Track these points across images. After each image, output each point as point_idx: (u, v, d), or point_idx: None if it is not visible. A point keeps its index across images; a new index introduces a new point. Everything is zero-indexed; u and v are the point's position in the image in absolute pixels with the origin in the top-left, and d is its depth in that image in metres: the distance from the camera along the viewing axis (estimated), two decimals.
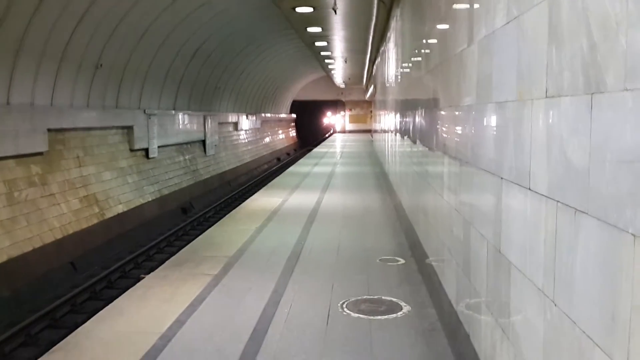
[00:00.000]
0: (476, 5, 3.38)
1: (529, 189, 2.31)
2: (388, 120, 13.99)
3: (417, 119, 6.75)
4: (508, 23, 2.64)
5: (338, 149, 29.20)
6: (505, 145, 2.68)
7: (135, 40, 14.04)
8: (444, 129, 4.62)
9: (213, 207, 17.97)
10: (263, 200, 11.42)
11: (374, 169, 17.40)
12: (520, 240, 2.46)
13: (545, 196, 2.13)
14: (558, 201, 2.01)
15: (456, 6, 4.06)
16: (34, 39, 10.31)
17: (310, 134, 50.49)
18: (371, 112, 38.36)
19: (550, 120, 2.10)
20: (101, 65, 13.04)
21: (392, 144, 12.47)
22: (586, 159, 1.78)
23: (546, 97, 2.13)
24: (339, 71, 33.37)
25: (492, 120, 2.96)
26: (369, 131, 41.21)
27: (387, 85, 13.74)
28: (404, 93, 8.74)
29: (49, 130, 11.36)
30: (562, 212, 1.98)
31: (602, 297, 1.69)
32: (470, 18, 3.53)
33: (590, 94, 1.75)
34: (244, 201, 11.63)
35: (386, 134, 15.09)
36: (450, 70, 4.27)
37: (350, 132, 49.08)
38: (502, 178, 2.73)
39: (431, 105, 5.37)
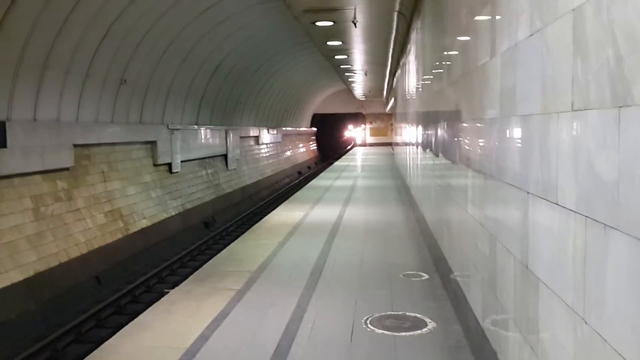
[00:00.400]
0: (498, 17, 3.37)
1: (557, 203, 2.28)
2: (409, 133, 13.95)
3: (439, 132, 6.72)
4: (531, 35, 2.62)
5: (359, 162, 29.19)
6: (531, 159, 2.65)
7: (158, 57, 14.28)
8: (467, 141, 4.59)
9: (235, 221, 18.06)
10: (285, 214, 11.45)
11: (396, 182, 17.35)
12: (549, 256, 2.42)
13: (574, 211, 2.10)
14: (587, 216, 1.98)
15: (478, 18, 4.06)
16: (59, 56, 10.55)
17: (330, 148, 50.61)
18: (392, 124, 38.32)
19: (577, 134, 2.08)
20: (125, 81, 13.28)
21: (413, 157, 12.42)
22: (615, 173, 1.75)
23: (572, 110, 2.11)
24: (359, 84, 33.48)
25: (517, 134, 2.93)
26: (389, 144, 41.15)
27: (408, 97, 13.72)
28: (426, 105, 8.72)
29: (75, 145, 11.58)
30: (591, 227, 1.94)
31: (634, 315, 1.65)
32: (492, 30, 3.51)
33: (617, 107, 1.73)
34: (265, 215, 11.67)
35: (407, 146, 15.03)
36: (472, 82, 4.25)
37: (371, 145, 49.07)
38: (528, 192, 2.70)
39: (453, 118, 5.35)
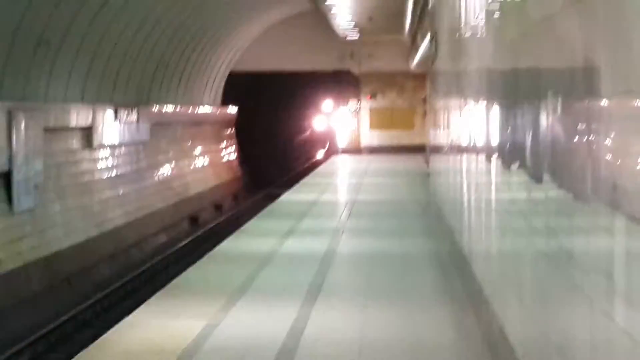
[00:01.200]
0: None
1: None
2: (468, 123, 14.11)
3: (542, 122, 6.82)
4: None
5: (344, 195, 29.44)
6: None
7: None
8: (617, 146, 4.63)
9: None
10: (154, 335, 11.35)
11: (435, 247, 17.55)
12: None
13: None
14: None
15: None
16: None
17: (273, 157, 51.12)
18: (425, 101, 38.80)
19: None
20: None
21: (478, 183, 12.56)
22: None
23: None
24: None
25: None
26: (420, 149, 41.68)
27: (468, 36, 13.92)
28: (509, 57, 8.85)
29: None
30: None
31: None
32: None
33: None
34: (101, 335, 11.62)
35: (463, 155, 15.19)
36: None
37: (373, 150, 49.63)
38: None
39: (579, 88, 5.42)
